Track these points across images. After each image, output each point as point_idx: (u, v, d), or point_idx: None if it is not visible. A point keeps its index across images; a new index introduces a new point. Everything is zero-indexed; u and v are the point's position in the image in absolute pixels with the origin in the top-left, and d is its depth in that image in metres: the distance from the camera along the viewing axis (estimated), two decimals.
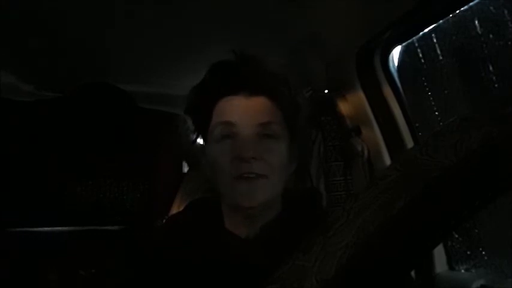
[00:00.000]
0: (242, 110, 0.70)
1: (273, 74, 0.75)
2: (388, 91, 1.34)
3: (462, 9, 1.10)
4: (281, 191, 0.75)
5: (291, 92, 0.76)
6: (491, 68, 1.11)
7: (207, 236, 0.73)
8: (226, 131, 0.70)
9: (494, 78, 1.11)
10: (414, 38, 1.30)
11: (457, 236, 1.26)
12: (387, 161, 1.33)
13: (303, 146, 0.77)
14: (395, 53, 1.36)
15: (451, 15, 1.15)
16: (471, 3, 1.06)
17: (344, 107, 1.45)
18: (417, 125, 1.34)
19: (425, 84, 1.35)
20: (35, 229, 1.37)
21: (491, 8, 1.08)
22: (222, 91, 0.72)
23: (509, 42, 1.06)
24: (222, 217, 0.76)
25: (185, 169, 1.68)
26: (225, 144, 0.70)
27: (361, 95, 1.38)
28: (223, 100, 0.72)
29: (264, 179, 0.68)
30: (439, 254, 1.24)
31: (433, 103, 1.32)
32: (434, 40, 1.27)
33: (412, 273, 1.08)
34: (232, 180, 0.69)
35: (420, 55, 1.33)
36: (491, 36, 1.10)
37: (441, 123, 1.34)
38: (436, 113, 1.32)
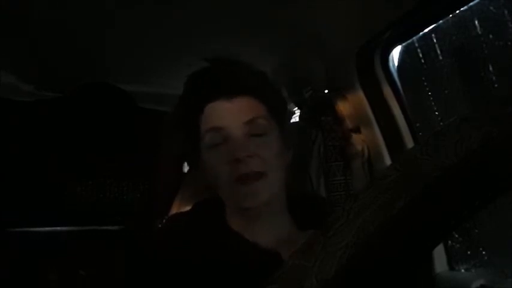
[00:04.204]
0: (226, 113, 0.71)
1: (250, 72, 0.77)
2: (388, 91, 1.34)
3: (462, 9, 1.10)
4: (283, 189, 0.75)
5: (270, 86, 0.78)
6: (491, 68, 1.11)
7: (212, 236, 0.73)
8: (216, 137, 0.71)
9: (494, 78, 1.11)
10: (414, 38, 1.30)
11: (457, 236, 1.26)
12: (387, 161, 1.33)
13: (293, 132, 0.80)
14: (396, 53, 1.36)
15: (451, 15, 1.15)
16: (471, 3, 1.06)
17: (344, 107, 1.45)
18: (417, 125, 1.34)
19: (425, 84, 1.35)
20: (35, 229, 1.37)
21: (491, 8, 1.08)
22: (204, 100, 0.73)
23: (509, 42, 1.06)
24: (226, 218, 0.76)
25: (185, 169, 1.68)
26: (217, 150, 0.71)
27: (361, 95, 1.38)
28: (207, 108, 0.73)
29: (263, 177, 0.69)
30: (439, 254, 1.24)
31: (433, 103, 1.32)
32: (434, 40, 1.27)
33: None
34: (232, 184, 0.69)
35: (420, 55, 1.33)
36: (491, 36, 1.10)
37: (441, 123, 1.34)
38: (436, 113, 1.32)
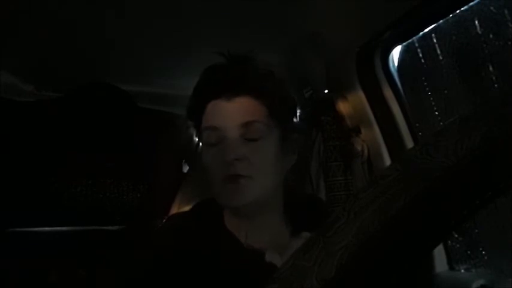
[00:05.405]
0: (224, 113, 0.71)
1: (256, 71, 0.75)
2: (388, 91, 1.34)
3: (462, 9, 1.10)
4: (277, 191, 0.75)
5: (277, 87, 0.76)
6: (491, 68, 1.11)
7: (209, 236, 0.73)
8: (212, 136, 0.71)
9: (494, 78, 1.11)
10: (414, 38, 1.30)
11: (457, 236, 1.26)
12: (387, 161, 1.33)
13: (300, 136, 0.78)
14: (396, 53, 1.36)
15: (451, 15, 1.15)
16: (471, 3, 1.06)
17: (344, 107, 1.45)
18: (417, 125, 1.34)
19: (425, 84, 1.35)
20: (35, 229, 1.37)
21: (492, 8, 1.08)
22: (209, 95, 0.73)
23: (509, 42, 1.06)
24: (224, 218, 0.76)
25: (185, 169, 1.68)
26: (212, 149, 0.71)
27: (361, 95, 1.38)
28: (210, 104, 0.73)
29: (249, 180, 0.69)
30: (439, 254, 1.24)
31: (433, 103, 1.32)
32: (434, 40, 1.26)
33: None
34: (220, 183, 0.70)
35: (420, 55, 1.33)
36: (491, 36, 1.10)
37: (441, 123, 1.34)
38: (436, 113, 1.32)
